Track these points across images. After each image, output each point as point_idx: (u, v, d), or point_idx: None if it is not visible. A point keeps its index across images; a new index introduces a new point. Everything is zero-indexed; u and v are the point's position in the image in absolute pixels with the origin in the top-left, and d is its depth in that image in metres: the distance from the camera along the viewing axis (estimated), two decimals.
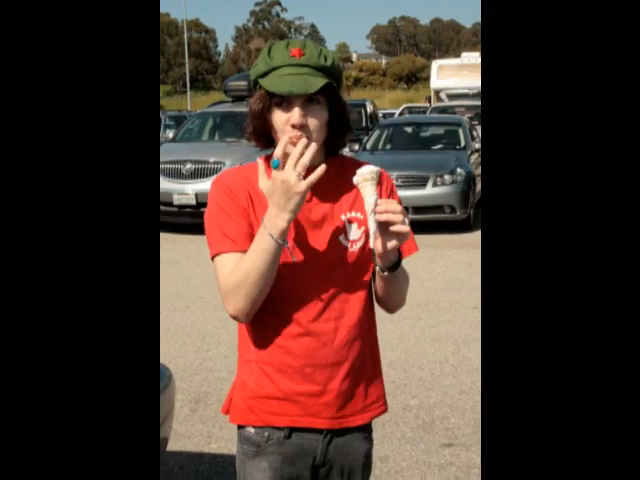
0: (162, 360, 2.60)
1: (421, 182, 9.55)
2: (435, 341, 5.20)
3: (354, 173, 1.61)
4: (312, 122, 1.58)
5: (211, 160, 9.76)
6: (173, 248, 8.70)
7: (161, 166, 9.93)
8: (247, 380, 1.70)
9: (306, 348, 1.64)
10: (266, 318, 1.65)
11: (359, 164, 1.73)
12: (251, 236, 1.59)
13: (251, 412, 1.70)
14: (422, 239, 8.87)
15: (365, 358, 1.72)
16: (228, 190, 1.64)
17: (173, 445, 3.03)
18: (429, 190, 9.47)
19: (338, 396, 1.68)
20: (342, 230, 1.66)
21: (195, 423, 3.89)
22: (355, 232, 1.67)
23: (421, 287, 6.58)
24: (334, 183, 1.67)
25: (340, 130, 1.66)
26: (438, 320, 5.69)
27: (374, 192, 1.55)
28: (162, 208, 9.67)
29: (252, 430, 1.70)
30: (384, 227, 1.54)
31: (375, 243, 1.56)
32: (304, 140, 1.53)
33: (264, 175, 1.56)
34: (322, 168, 1.51)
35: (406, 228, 1.53)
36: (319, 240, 1.65)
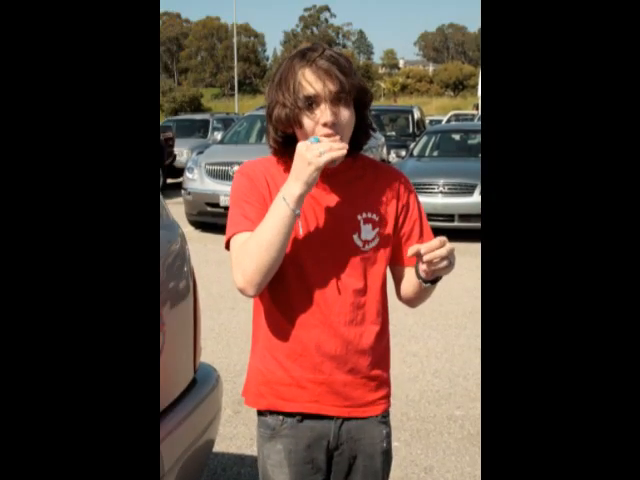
0: (206, 360, 2.59)
1: (468, 190, 9.46)
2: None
3: (373, 174, 1.72)
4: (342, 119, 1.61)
5: None
6: (219, 249, 8.74)
7: (209, 167, 10.03)
8: (260, 366, 1.74)
9: (317, 339, 1.67)
10: (280, 307, 1.70)
11: (378, 165, 1.80)
12: None
13: (262, 397, 1.74)
14: (468, 247, 8.81)
15: (375, 354, 1.73)
16: (249, 178, 1.69)
17: (216, 447, 3.02)
18: (476, 198, 9.37)
19: (344, 386, 1.70)
20: (357, 229, 1.68)
21: (238, 425, 3.89)
22: (369, 233, 1.69)
23: (467, 296, 6.50)
24: (353, 183, 1.71)
25: (362, 130, 1.69)
26: None
27: None
28: (209, 209, 9.79)
29: (268, 414, 1.75)
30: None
31: (423, 266, 1.58)
32: (339, 139, 1.57)
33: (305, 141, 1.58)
34: (344, 150, 1.54)
35: (450, 268, 1.57)
36: (334, 236, 1.67)
